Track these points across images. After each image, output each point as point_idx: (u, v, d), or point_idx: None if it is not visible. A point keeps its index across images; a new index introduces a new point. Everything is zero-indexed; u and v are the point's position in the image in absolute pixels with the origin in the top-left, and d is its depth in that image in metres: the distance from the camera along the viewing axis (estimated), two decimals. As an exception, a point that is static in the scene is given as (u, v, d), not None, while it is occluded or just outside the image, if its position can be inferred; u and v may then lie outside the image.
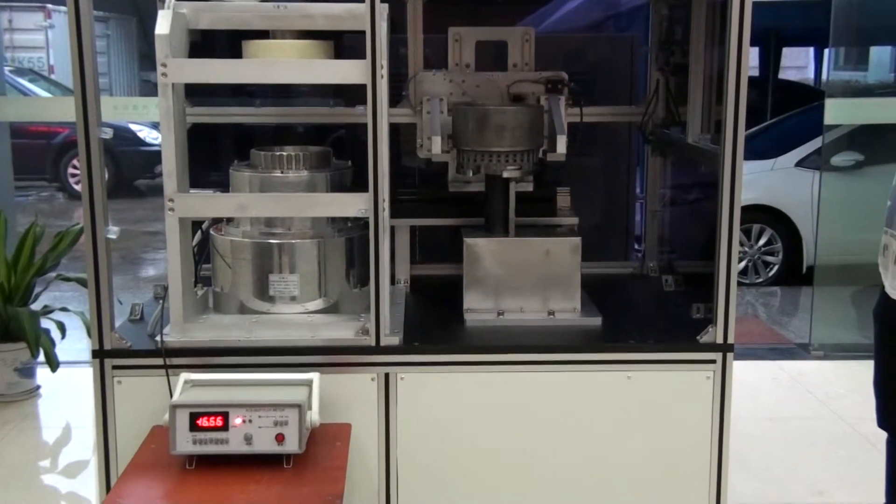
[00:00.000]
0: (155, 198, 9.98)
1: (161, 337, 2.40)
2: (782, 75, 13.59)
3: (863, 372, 2.69)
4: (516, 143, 2.60)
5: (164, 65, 2.30)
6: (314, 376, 2.31)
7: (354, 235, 2.61)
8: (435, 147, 2.66)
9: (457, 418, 2.49)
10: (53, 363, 4.17)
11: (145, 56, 15.84)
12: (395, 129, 2.92)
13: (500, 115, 2.61)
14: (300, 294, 2.56)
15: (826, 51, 6.24)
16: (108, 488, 2.40)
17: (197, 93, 2.92)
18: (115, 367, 2.43)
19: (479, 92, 2.91)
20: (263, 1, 2.49)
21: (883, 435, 2.63)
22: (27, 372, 4.41)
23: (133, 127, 11.24)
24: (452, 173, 2.99)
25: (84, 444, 3.88)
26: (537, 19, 4.34)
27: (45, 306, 4.47)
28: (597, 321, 2.68)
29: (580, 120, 2.90)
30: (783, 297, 7.06)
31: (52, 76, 13.94)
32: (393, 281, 2.87)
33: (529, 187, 2.91)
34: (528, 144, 2.63)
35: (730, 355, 2.49)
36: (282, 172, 2.58)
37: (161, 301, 2.54)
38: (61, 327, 4.33)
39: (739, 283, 2.78)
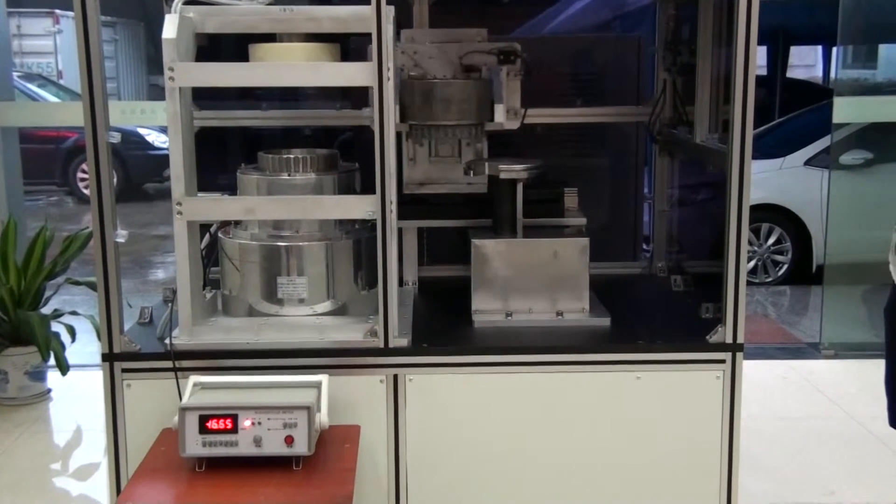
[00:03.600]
0: (163, 201, 9.94)
1: (170, 340, 2.41)
2: (790, 74, 13.55)
3: (874, 371, 2.67)
4: (463, 117, 2.58)
5: (171, 69, 2.31)
6: (323, 378, 2.31)
7: (362, 237, 2.61)
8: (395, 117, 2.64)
9: (466, 419, 2.49)
10: (64, 367, 4.18)
11: (153, 60, 15.89)
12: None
13: (446, 88, 2.57)
14: (308, 296, 2.56)
15: (834, 49, 6.22)
16: (119, 491, 2.41)
17: (204, 96, 2.93)
18: (124, 371, 2.44)
19: (431, 63, 2.87)
20: (270, 4, 2.50)
21: (894, 434, 2.61)
22: (38, 375, 4.43)
23: (141, 131, 11.27)
24: (408, 174, 2.97)
25: (95, 447, 3.88)
26: (544, 20, 4.34)
27: (55, 310, 4.49)
28: (605, 322, 2.68)
29: (518, 100, 2.84)
30: (793, 297, 7.03)
31: (61, 81, 14.00)
32: (401, 283, 2.88)
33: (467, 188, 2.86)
34: (476, 118, 2.60)
35: (739, 355, 2.49)
36: (289, 175, 2.58)
37: (170, 304, 2.55)
38: (71, 331, 4.35)
39: (749, 283, 2.77)
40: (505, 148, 3.36)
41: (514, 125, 2.80)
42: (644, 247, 3.54)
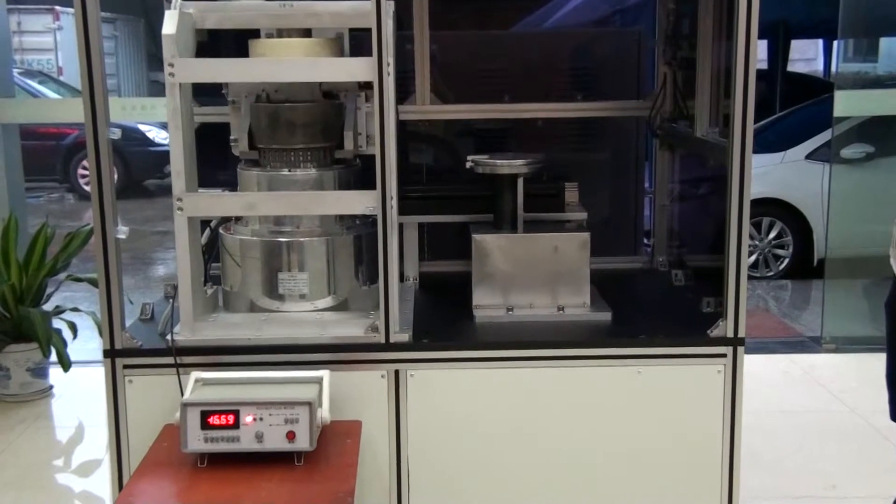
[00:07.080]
0: (164, 198, 10.00)
1: (171, 336, 2.41)
2: (791, 68, 13.53)
3: (875, 364, 2.67)
4: (310, 140, 2.54)
5: (171, 64, 2.31)
6: (324, 374, 2.31)
7: (363, 233, 2.61)
8: (242, 144, 2.59)
9: (467, 414, 2.49)
10: (65, 363, 4.18)
11: (153, 56, 15.88)
12: (402, 125, 2.92)
13: (290, 111, 2.53)
14: (309, 292, 2.56)
15: (835, 42, 6.21)
16: (121, 487, 2.41)
17: (204, 92, 2.92)
18: (126, 367, 2.44)
19: (291, 88, 2.63)
20: (269, 0, 2.49)
21: (895, 427, 2.61)
22: (40, 372, 4.43)
23: (142, 127, 11.28)
24: None
25: (97, 443, 3.89)
26: (544, 14, 4.33)
27: (57, 307, 4.49)
28: (606, 316, 2.68)
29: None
30: (794, 291, 7.04)
31: (61, 78, 13.99)
32: (402, 278, 2.87)
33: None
34: (323, 141, 2.57)
35: (741, 349, 2.49)
36: (290, 170, 2.58)
37: (171, 300, 2.55)
38: (73, 327, 4.35)
39: (750, 277, 2.77)
40: (505, 143, 3.37)
41: (373, 151, 2.64)
42: (645, 241, 3.54)
